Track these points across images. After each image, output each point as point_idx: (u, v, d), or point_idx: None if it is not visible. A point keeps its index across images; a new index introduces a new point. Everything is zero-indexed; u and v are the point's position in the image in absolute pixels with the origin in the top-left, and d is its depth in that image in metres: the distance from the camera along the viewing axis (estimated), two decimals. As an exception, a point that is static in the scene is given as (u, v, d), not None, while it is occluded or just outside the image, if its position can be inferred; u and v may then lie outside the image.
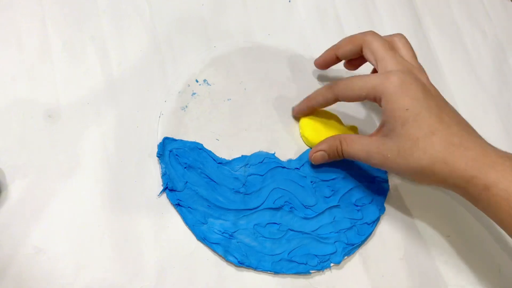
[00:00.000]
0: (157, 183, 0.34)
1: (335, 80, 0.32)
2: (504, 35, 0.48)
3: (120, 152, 0.34)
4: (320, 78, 0.41)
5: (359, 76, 0.32)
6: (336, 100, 0.34)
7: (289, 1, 0.43)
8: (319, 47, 0.41)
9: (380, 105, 0.31)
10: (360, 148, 0.32)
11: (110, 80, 0.36)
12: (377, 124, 0.40)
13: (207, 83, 0.38)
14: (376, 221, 0.36)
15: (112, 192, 0.33)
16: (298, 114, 0.38)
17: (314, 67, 0.40)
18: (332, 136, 0.35)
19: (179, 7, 0.40)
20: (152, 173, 0.34)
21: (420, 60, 0.43)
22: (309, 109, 0.37)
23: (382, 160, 0.31)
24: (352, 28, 0.44)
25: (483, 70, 0.45)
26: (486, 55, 0.46)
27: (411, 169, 0.30)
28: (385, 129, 0.31)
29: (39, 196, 0.32)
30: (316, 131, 0.37)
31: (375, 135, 0.32)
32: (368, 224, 0.36)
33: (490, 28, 0.48)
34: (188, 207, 0.33)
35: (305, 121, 0.38)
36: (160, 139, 0.35)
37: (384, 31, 0.42)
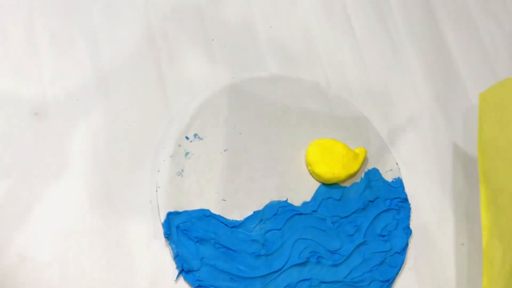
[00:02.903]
0: (149, 189, 0.33)
1: None
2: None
3: (111, 152, 0.33)
4: (322, 97, 0.38)
5: None
6: None
7: None
8: (325, 41, 0.40)
9: None
10: None
11: (101, 75, 0.35)
12: (388, 144, 0.38)
13: (198, 137, 0.34)
14: (405, 247, 0.34)
15: (102, 196, 0.32)
16: None
17: (306, 87, 0.37)
18: None
19: None
20: (146, 178, 0.33)
21: (432, 56, 0.42)
22: None
23: None
24: (360, 17, 0.42)
25: (501, 65, 0.43)
26: (504, 49, 0.44)
27: None
28: None
29: (23, 199, 0.31)
30: (322, 163, 0.35)
31: None
32: (398, 253, 0.34)
33: (508, 21, 0.45)
34: (211, 285, 0.31)
35: (311, 155, 0.35)
36: (163, 216, 0.32)
37: (395, 24, 0.42)
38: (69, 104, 0.34)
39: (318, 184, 0.35)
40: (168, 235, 0.32)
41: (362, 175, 0.36)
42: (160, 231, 0.32)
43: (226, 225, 0.33)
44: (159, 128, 0.35)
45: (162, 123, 0.35)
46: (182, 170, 0.33)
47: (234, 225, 0.33)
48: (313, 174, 0.35)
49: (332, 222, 0.34)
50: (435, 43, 0.43)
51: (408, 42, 0.42)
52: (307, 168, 0.35)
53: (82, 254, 0.31)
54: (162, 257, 0.32)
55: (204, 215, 0.33)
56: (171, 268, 0.31)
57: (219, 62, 0.37)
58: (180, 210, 0.32)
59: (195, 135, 0.34)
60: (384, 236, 0.35)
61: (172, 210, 0.32)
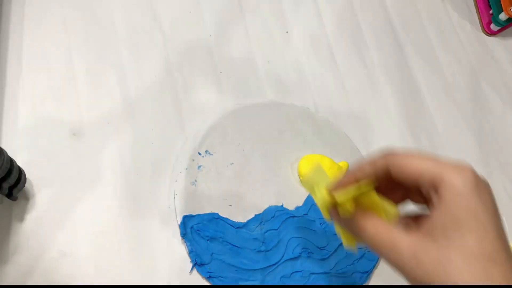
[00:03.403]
0: (168, 195, 0.38)
1: (391, 149, 0.25)
2: (477, 62, 0.51)
3: (136, 166, 0.37)
4: (311, 119, 0.43)
5: (424, 152, 0.24)
6: (386, 173, 0.25)
7: (287, 32, 0.46)
8: (313, 73, 0.46)
9: (430, 196, 0.23)
10: (385, 235, 0.24)
11: (128, 102, 0.40)
12: (365, 158, 0.43)
13: (209, 153, 0.40)
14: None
15: (129, 202, 0.36)
16: (338, 188, 0.27)
17: (298, 111, 0.42)
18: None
19: (189, 38, 0.44)
20: (165, 187, 0.38)
21: (402, 84, 0.46)
22: (350, 183, 0.26)
23: (410, 262, 0.22)
24: (342, 54, 0.47)
25: (458, 93, 0.48)
26: (461, 80, 0.49)
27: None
28: (429, 227, 0.22)
29: (63, 205, 0.35)
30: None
31: (412, 231, 0.23)
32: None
33: (464, 56, 0.50)
34: (219, 276, 0.36)
35: (302, 167, 0.40)
36: (179, 219, 0.37)
37: (370, 58, 0.47)
38: (102, 126, 0.38)
39: (308, 192, 0.40)
40: (184, 235, 0.36)
41: (345, 185, 0.42)
42: (177, 231, 0.36)
43: (232, 226, 0.38)
44: (176, 146, 0.39)
45: (178, 141, 0.39)
46: (195, 180, 0.38)
47: (238, 226, 0.37)
48: (303, 184, 0.40)
49: (320, 224, 0.39)
50: (404, 74, 0.48)
51: (382, 74, 0.47)
52: (299, 178, 0.41)
53: (112, 251, 0.35)
54: (179, 253, 0.36)
55: (214, 217, 0.37)
56: (187, 262, 0.36)
57: (226, 91, 0.42)
58: (194, 213, 0.37)
59: (206, 151, 0.40)
60: (363, 235, 0.40)
61: (187, 213, 0.37)
